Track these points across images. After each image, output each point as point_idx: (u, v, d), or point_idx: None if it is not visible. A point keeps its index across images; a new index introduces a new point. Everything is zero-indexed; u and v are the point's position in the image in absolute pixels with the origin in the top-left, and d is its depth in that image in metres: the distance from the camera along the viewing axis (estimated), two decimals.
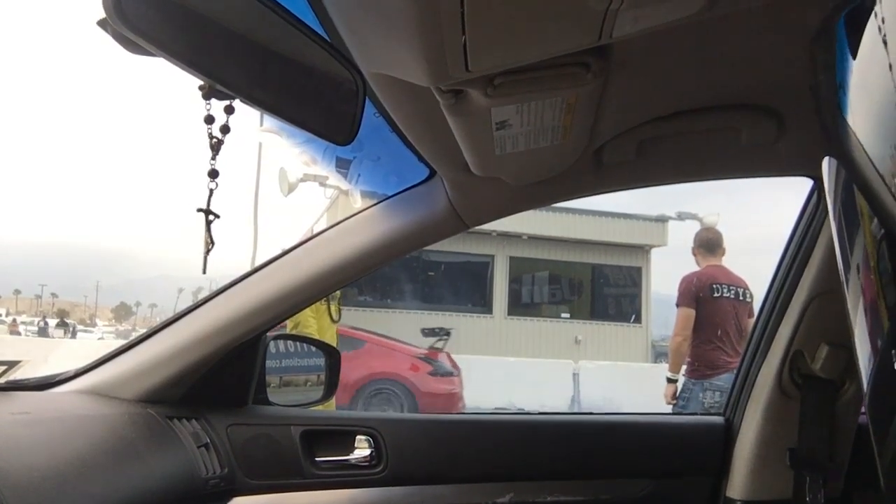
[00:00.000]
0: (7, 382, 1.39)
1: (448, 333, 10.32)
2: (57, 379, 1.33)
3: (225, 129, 0.81)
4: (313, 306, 4.92)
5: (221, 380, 1.40)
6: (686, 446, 1.67)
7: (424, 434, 1.56)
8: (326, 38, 0.87)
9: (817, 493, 1.50)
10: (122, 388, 1.31)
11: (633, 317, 16.94)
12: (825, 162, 0.68)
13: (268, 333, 1.45)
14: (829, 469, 1.53)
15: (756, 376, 1.62)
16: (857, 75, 0.59)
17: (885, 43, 0.52)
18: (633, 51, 0.89)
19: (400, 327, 15.26)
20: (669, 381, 4.58)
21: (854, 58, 0.58)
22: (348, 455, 1.51)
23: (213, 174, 0.83)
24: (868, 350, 0.60)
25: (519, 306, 17.12)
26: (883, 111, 0.53)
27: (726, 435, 1.64)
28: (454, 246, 16.33)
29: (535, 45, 0.76)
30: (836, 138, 0.63)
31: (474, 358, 12.45)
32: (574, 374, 12.33)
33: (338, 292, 5.19)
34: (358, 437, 1.51)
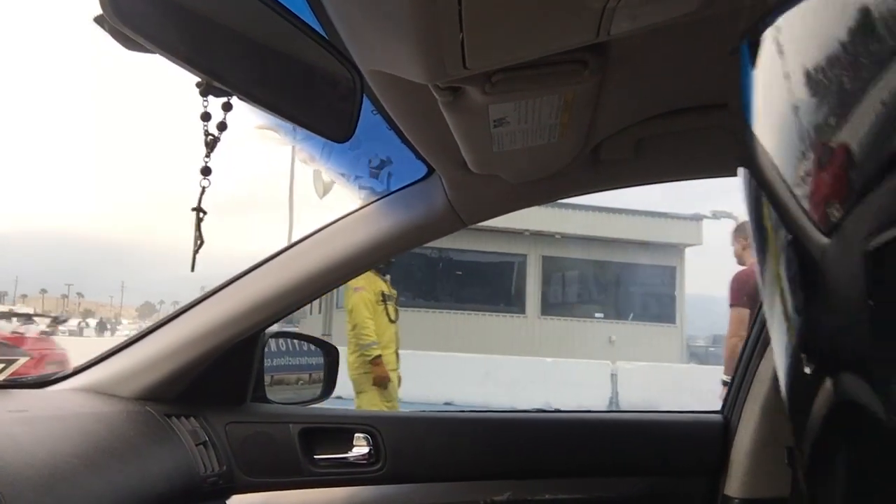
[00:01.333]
0: (5, 380, 1.39)
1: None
2: (55, 377, 1.33)
3: (222, 127, 0.80)
4: (369, 307, 4.89)
5: (220, 377, 1.40)
6: (684, 444, 1.67)
7: (423, 432, 1.56)
8: (324, 35, 0.87)
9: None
10: (120, 385, 1.31)
11: (667, 317, 16.92)
12: (740, 172, 0.69)
13: (266, 331, 1.45)
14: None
15: (754, 374, 1.62)
16: (758, 85, 0.60)
17: (780, 53, 0.53)
18: (630, 48, 0.89)
19: (432, 327, 15.32)
20: (725, 384, 4.36)
21: (753, 67, 0.59)
22: (347, 453, 1.51)
23: (206, 171, 0.83)
24: (783, 355, 0.60)
25: (552, 306, 17.15)
26: (783, 120, 0.54)
27: (724, 433, 1.65)
28: (486, 245, 16.37)
29: (532, 43, 0.76)
30: (745, 148, 0.63)
31: (509, 359, 12.46)
32: (612, 375, 12.26)
33: (394, 292, 5.16)
34: (356, 434, 1.51)
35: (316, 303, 26.35)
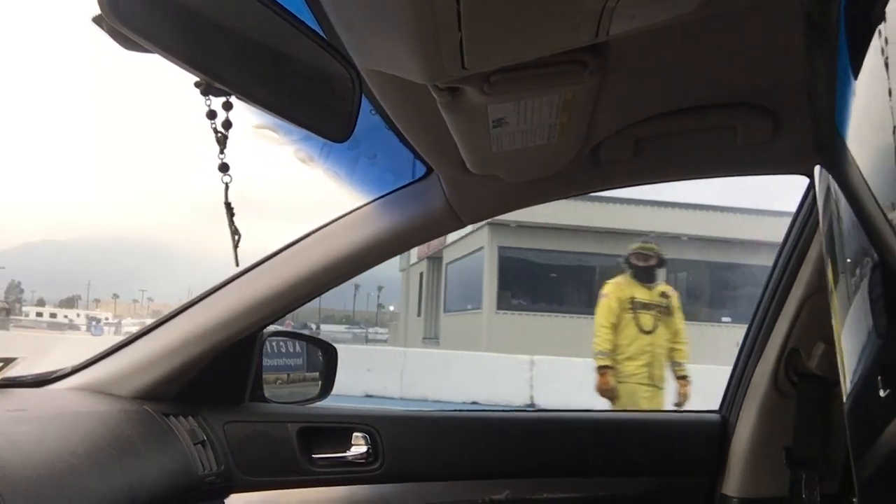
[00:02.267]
0: (3, 379, 1.38)
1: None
2: (53, 376, 1.33)
3: (227, 125, 0.81)
4: (612, 314, 4.59)
5: (218, 377, 1.40)
6: (682, 444, 1.67)
7: (421, 431, 1.56)
8: (322, 35, 0.87)
9: (813, 491, 1.51)
10: (118, 384, 1.31)
11: None
12: (816, 170, 0.67)
13: (264, 330, 1.45)
14: (824, 467, 1.53)
15: (752, 374, 1.62)
16: (857, 93, 0.57)
17: (886, 67, 0.51)
18: (629, 49, 0.89)
19: (538, 332, 15.29)
20: None
21: (855, 74, 0.57)
22: (345, 452, 1.51)
23: (224, 168, 0.84)
24: (853, 374, 0.60)
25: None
26: (880, 136, 0.52)
27: (722, 432, 1.65)
28: (590, 246, 16.38)
29: (531, 43, 0.76)
30: (829, 151, 0.62)
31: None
32: None
33: (665, 299, 4.74)
34: (355, 433, 1.51)
35: (413, 305, 26.11)
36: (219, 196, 0.84)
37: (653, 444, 1.66)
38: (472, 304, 19.05)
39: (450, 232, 1.43)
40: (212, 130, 0.80)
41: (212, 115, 0.79)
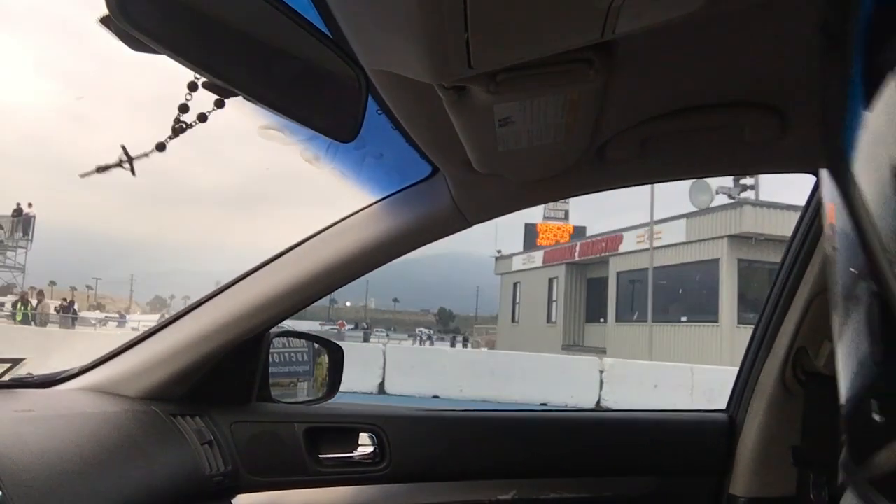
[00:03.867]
0: (10, 380, 1.39)
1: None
2: (60, 376, 1.33)
3: (202, 117, 0.82)
4: None
5: (225, 377, 1.40)
6: (689, 443, 1.67)
7: (428, 431, 1.56)
8: (329, 35, 0.87)
9: (821, 491, 1.50)
10: (125, 385, 1.31)
11: None
12: (823, 173, 0.67)
13: (271, 330, 1.45)
14: (832, 466, 1.53)
15: (759, 373, 1.62)
16: (867, 106, 0.56)
17: None
18: (635, 48, 0.89)
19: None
20: None
21: (868, 88, 0.55)
22: (352, 452, 1.51)
23: (161, 147, 0.86)
24: (848, 389, 0.59)
25: (751, 313, 17.15)
26: (886, 183, 0.50)
27: (730, 432, 1.64)
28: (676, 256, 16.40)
29: (537, 43, 0.76)
30: (835, 162, 0.61)
31: (704, 367, 12.48)
32: None
33: None
34: (361, 433, 1.51)
35: (542, 310, 25.98)
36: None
37: (660, 444, 1.65)
38: (639, 314, 19.23)
39: (455, 232, 1.43)
40: (174, 120, 0.81)
41: (184, 108, 0.81)
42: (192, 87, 0.79)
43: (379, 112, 1.10)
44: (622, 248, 21.58)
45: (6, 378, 1.32)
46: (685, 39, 0.91)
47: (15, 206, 28.66)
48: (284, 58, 0.84)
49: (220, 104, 0.82)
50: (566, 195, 1.44)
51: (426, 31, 0.70)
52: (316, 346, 1.68)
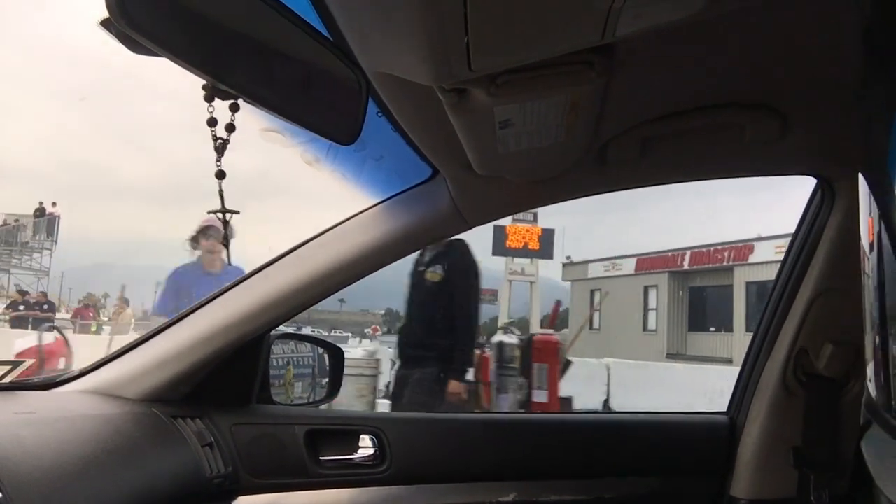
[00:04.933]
0: (11, 382, 1.39)
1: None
2: (61, 378, 1.33)
3: (230, 128, 0.81)
4: None
5: (225, 379, 1.40)
6: (690, 445, 1.67)
7: (428, 433, 1.56)
8: (329, 37, 0.87)
9: (821, 492, 1.50)
10: (126, 387, 1.31)
11: None
12: (863, 184, 0.66)
13: (271, 332, 1.45)
14: (833, 468, 1.53)
15: (760, 374, 1.61)
16: None
17: None
18: (636, 49, 0.89)
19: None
20: None
21: None
22: (352, 454, 1.51)
23: (220, 175, 0.85)
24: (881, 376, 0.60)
25: None
26: None
27: (730, 433, 1.64)
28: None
29: (538, 45, 0.76)
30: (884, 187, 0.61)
31: None
32: None
33: None
34: (362, 436, 1.51)
35: (634, 318, 25.87)
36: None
37: (661, 446, 1.65)
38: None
39: (456, 234, 1.43)
40: (212, 139, 0.80)
41: (212, 122, 0.80)
42: (210, 98, 0.78)
43: (379, 114, 1.10)
44: (752, 259, 21.33)
45: (7, 380, 1.32)
46: (685, 41, 0.91)
47: (38, 205, 27.04)
48: (285, 60, 0.84)
49: (234, 108, 0.81)
50: (566, 197, 1.44)
51: (426, 33, 0.70)
52: (316, 348, 1.68)
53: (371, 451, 1.51)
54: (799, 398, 1.56)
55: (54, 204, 27.71)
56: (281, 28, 0.80)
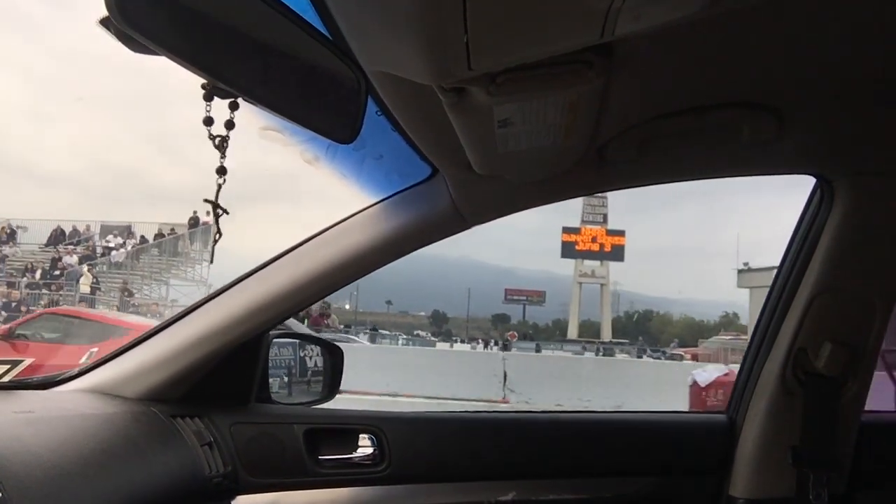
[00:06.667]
0: (10, 381, 1.39)
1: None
2: (60, 378, 1.33)
3: (229, 125, 0.81)
4: None
5: (224, 378, 1.40)
6: (689, 444, 1.67)
7: (427, 432, 1.56)
8: (328, 36, 0.87)
9: (820, 492, 1.50)
10: (125, 386, 1.31)
11: None
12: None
13: (270, 332, 1.46)
14: (831, 467, 1.53)
15: (759, 374, 1.62)
16: None
17: None
18: (635, 49, 0.89)
19: None
20: None
21: None
22: (351, 453, 1.51)
23: (221, 171, 0.85)
24: None
25: None
26: None
27: (729, 433, 1.64)
28: None
29: (537, 44, 0.76)
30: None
31: None
32: None
33: None
34: (361, 435, 1.51)
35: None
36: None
37: (660, 445, 1.65)
38: None
39: (455, 233, 1.43)
40: (209, 138, 0.81)
41: (208, 121, 0.80)
42: (209, 97, 0.79)
43: (378, 113, 1.10)
44: None
45: (6, 379, 1.32)
46: (684, 40, 0.91)
47: (192, 215, 25.80)
48: (284, 59, 0.84)
49: (234, 106, 0.82)
50: (566, 196, 1.45)
51: (426, 32, 0.70)
52: (314, 347, 1.68)
53: (370, 450, 1.51)
54: (798, 397, 1.56)
55: (208, 213, 26.91)
56: (280, 27, 0.80)
